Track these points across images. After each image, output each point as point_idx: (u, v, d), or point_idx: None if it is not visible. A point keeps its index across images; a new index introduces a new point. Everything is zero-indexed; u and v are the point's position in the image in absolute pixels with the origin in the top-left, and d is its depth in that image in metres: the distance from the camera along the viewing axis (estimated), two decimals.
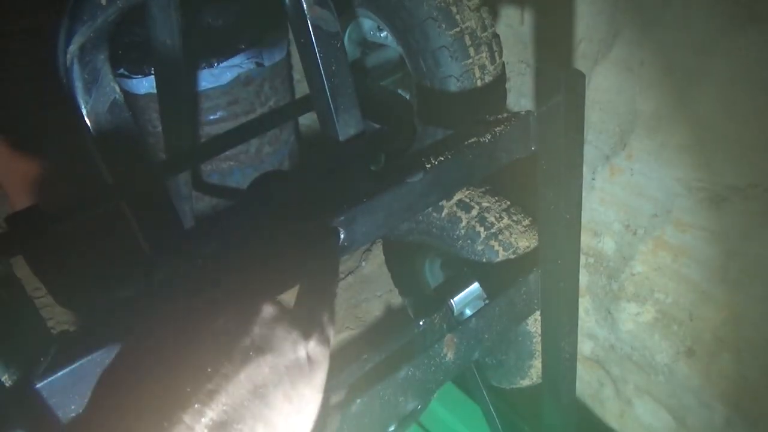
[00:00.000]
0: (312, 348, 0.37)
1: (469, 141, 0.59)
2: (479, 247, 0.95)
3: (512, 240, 0.94)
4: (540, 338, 0.88)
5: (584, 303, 1.26)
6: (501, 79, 0.97)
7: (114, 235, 1.20)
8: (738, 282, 0.99)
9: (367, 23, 1.07)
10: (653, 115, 0.99)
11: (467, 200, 0.98)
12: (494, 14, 1.12)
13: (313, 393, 0.36)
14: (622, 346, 1.23)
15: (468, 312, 0.87)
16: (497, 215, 0.97)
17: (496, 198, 1.00)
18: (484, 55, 0.92)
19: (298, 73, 1.73)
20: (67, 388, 0.39)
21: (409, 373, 0.68)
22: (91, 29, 0.88)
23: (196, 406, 0.30)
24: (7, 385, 0.40)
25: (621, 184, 1.10)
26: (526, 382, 1.07)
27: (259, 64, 1.48)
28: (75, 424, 0.33)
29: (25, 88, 1.53)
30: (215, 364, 0.32)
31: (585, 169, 1.09)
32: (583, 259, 1.21)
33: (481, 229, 0.95)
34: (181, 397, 0.31)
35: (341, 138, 0.74)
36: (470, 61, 0.90)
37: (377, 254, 1.77)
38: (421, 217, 1.02)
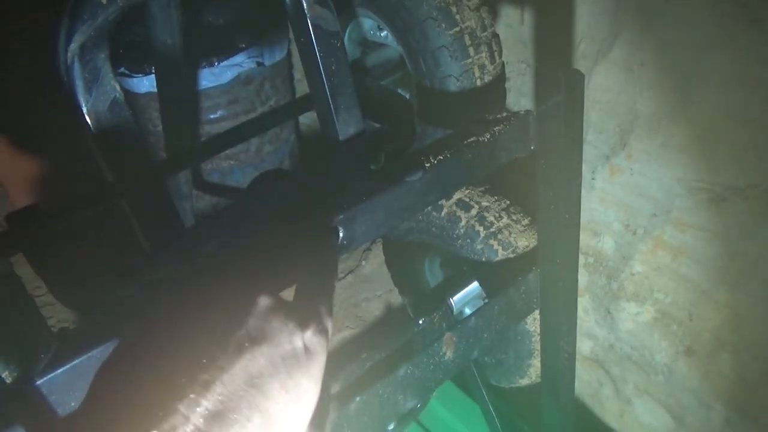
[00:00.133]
0: (309, 338, 0.37)
1: (469, 140, 0.59)
2: (478, 247, 0.95)
3: (511, 239, 0.95)
4: (539, 337, 0.88)
5: (584, 302, 1.26)
6: (501, 78, 0.97)
7: (114, 234, 1.21)
8: (738, 282, 0.99)
9: (367, 23, 1.07)
10: (653, 115, 0.99)
11: (467, 199, 0.98)
12: (494, 14, 1.12)
13: (311, 383, 0.36)
14: (622, 345, 1.23)
15: (467, 311, 0.87)
16: (497, 214, 0.97)
17: (496, 197, 1.00)
18: (483, 54, 0.92)
19: (298, 73, 1.73)
20: (67, 385, 0.39)
21: (409, 371, 0.68)
22: (91, 28, 0.88)
23: (191, 396, 0.31)
24: (7, 381, 0.40)
25: (621, 184, 1.10)
26: (525, 381, 1.07)
27: (259, 64, 1.49)
28: (72, 418, 0.34)
29: (25, 88, 1.53)
30: (210, 355, 0.33)
31: (585, 168, 1.09)
32: (582, 259, 1.21)
33: (481, 229, 0.95)
34: (177, 388, 0.31)
35: (341, 137, 0.74)
36: (470, 60, 0.90)
37: (377, 253, 1.78)
38: (420, 217, 1.02)
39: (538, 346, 0.96)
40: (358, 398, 0.62)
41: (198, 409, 0.31)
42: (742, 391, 1.05)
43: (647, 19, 0.94)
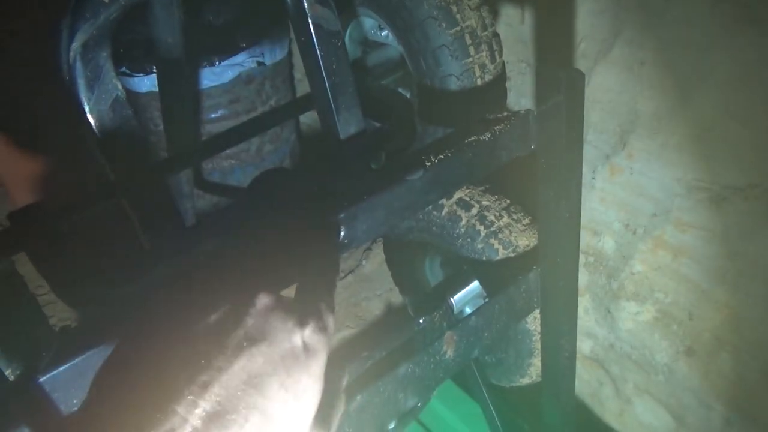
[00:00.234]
0: (308, 336, 0.37)
1: (469, 139, 0.60)
2: (479, 246, 0.95)
3: (512, 238, 0.95)
4: (539, 336, 0.88)
5: (584, 302, 1.26)
6: (501, 78, 0.97)
7: (116, 233, 1.21)
8: (738, 282, 0.99)
9: (368, 22, 1.07)
10: (653, 115, 0.99)
11: (467, 199, 0.98)
12: (494, 13, 1.12)
13: (311, 381, 0.36)
14: (622, 345, 1.23)
15: (468, 310, 0.87)
16: (497, 214, 0.97)
17: (496, 196, 1.00)
18: (484, 54, 0.92)
19: (299, 72, 1.73)
20: (68, 383, 0.40)
21: (409, 370, 0.68)
22: (93, 27, 0.89)
23: (189, 397, 0.31)
24: (10, 379, 0.40)
25: (621, 184, 1.10)
26: (525, 381, 1.07)
27: (260, 63, 1.49)
28: (72, 419, 0.34)
29: (25, 88, 1.53)
30: (208, 356, 0.33)
31: (585, 168, 1.09)
32: (582, 258, 1.22)
33: (481, 228, 0.95)
34: (175, 390, 0.31)
35: (342, 136, 0.74)
36: (470, 60, 0.90)
37: (377, 253, 1.78)
38: (421, 216, 1.02)
39: (538, 345, 0.96)
40: (358, 397, 0.63)
41: (196, 410, 0.31)
42: (742, 391, 1.05)
43: (648, 18, 0.94)
